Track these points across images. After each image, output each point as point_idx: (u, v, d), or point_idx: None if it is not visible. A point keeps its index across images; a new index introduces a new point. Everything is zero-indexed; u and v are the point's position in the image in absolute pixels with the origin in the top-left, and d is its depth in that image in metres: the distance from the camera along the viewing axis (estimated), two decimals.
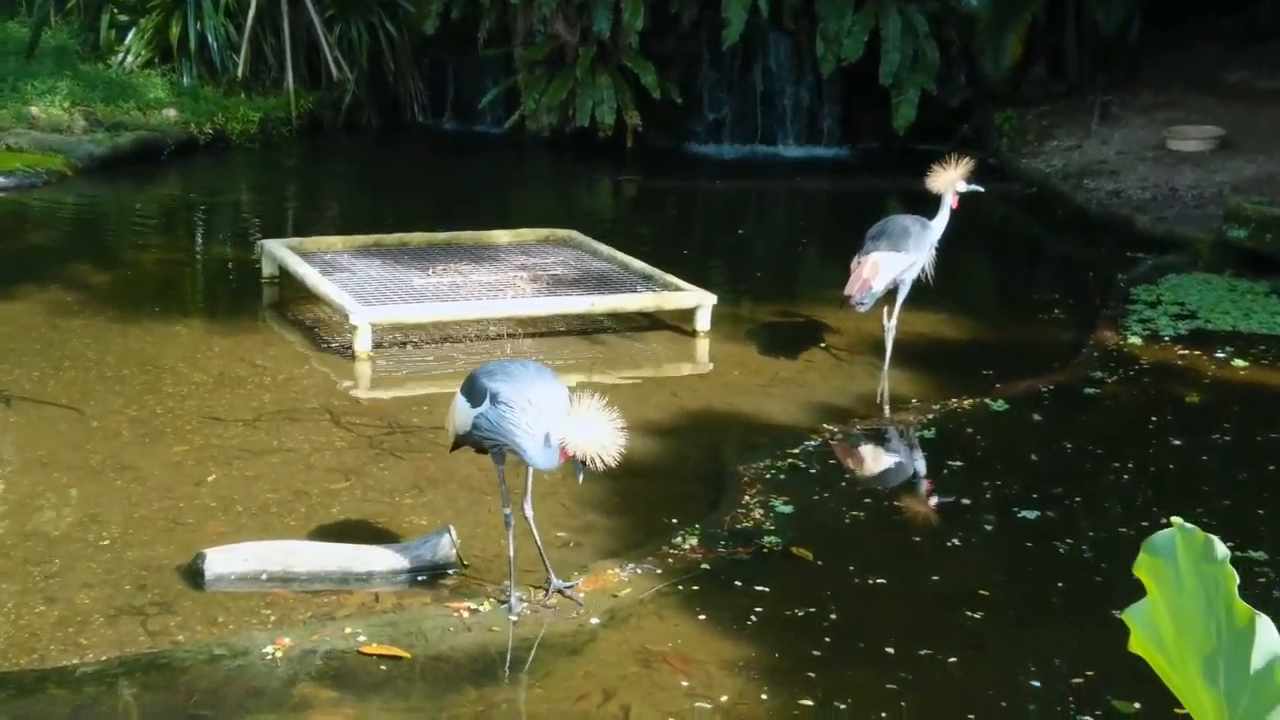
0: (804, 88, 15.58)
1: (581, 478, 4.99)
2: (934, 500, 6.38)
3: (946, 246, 8.19)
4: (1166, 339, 8.47)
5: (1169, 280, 9.68)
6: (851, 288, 7.73)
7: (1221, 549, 1.42)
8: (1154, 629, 1.41)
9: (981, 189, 8.16)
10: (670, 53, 15.39)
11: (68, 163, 12.76)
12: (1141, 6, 14.80)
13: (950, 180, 7.90)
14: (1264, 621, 1.33)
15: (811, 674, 4.71)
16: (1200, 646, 1.33)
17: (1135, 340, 8.40)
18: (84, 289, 9.16)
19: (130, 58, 15.24)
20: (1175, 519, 1.50)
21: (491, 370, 5.13)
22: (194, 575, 5.24)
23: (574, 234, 10.06)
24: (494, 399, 4.94)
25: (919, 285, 8.01)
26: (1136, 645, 1.48)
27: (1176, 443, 6.89)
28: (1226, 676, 1.30)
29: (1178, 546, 1.40)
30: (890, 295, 7.86)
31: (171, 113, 14.27)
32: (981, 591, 5.31)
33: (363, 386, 7.66)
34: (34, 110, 13.71)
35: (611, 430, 4.74)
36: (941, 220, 7.95)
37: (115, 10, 15.47)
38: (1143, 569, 1.45)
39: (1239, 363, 8.05)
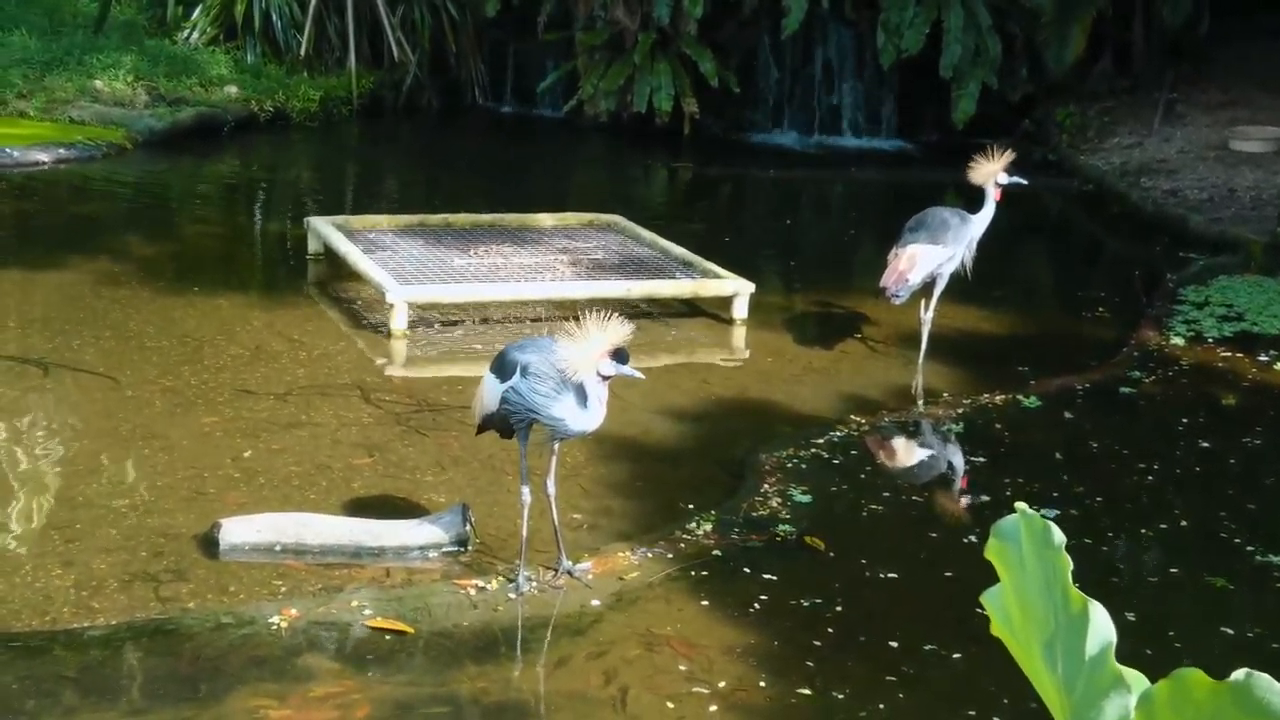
0: (864, 79, 15.50)
1: (639, 374, 5.01)
2: (954, 495, 6.34)
3: (995, 240, 8.11)
4: (1210, 340, 8.36)
5: (1219, 281, 9.55)
6: (887, 279, 7.68)
7: (1058, 535, 1.41)
8: (1006, 613, 1.41)
9: (1024, 181, 8.07)
10: (730, 41, 15.36)
11: (128, 136, 12.95)
12: (1211, 1, 14.60)
13: (990, 172, 7.82)
14: (1097, 608, 1.32)
15: (811, 664, 4.70)
16: (1042, 631, 1.33)
17: (1178, 341, 8.30)
18: (132, 260, 9.30)
19: (196, 34, 15.42)
20: (1019, 504, 1.50)
21: (522, 344, 5.18)
22: (209, 544, 5.32)
23: (617, 219, 10.08)
24: (524, 371, 4.97)
25: (960, 279, 7.95)
26: (996, 629, 1.48)
27: (1205, 445, 6.81)
28: (1064, 661, 1.30)
29: (1021, 531, 1.40)
30: (928, 288, 7.81)
31: (233, 89, 14.42)
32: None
33: (396, 364, 7.73)
34: (98, 84, 13.91)
35: (613, 328, 4.78)
36: (986, 214, 7.87)
37: None
38: (992, 553, 1.45)
39: None
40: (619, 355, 4.88)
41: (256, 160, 13.77)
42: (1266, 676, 1.20)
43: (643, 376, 5.10)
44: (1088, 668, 1.28)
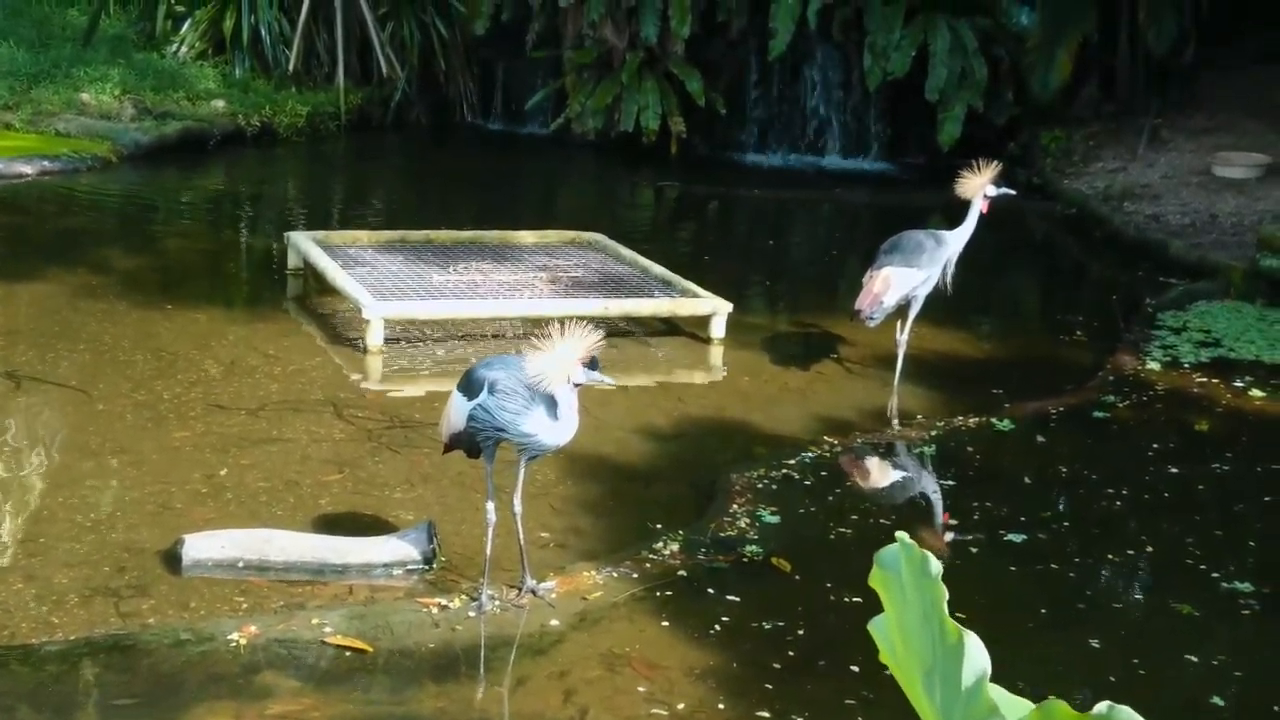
0: (850, 100, 15.53)
1: (610, 381, 5.05)
2: (923, 519, 6.33)
3: (975, 263, 8.10)
4: (1186, 366, 8.36)
5: (1197, 307, 9.56)
6: (861, 302, 7.68)
7: (935, 565, 1.41)
8: (890, 642, 1.41)
9: (1013, 191, 8.11)
10: (718, 61, 15.38)
11: (113, 149, 12.93)
12: (1197, 27, 14.63)
13: (979, 185, 7.81)
14: (972, 639, 1.32)
15: (770, 686, 4.70)
16: (922, 661, 1.33)
17: (1154, 366, 8.30)
18: (110, 273, 9.29)
19: (184, 48, 15.43)
20: (900, 534, 1.49)
21: (489, 362, 5.18)
22: (173, 560, 5.30)
23: (599, 237, 10.08)
24: (491, 388, 4.96)
25: (939, 299, 7.95)
26: (883, 657, 1.47)
27: (1176, 471, 6.81)
28: (942, 691, 1.30)
29: (901, 561, 1.40)
30: (903, 310, 7.81)
31: (220, 104, 14.42)
32: (958, 614, 5.24)
33: (371, 380, 7.71)
34: (85, 97, 13.90)
35: (583, 336, 4.77)
36: (966, 228, 7.85)
37: (172, 1, 15.68)
38: (875, 582, 1.45)
39: (1256, 393, 7.94)
40: (590, 364, 4.88)
41: (242, 175, 13.76)
42: (1128, 709, 1.20)
43: (614, 384, 5.12)
44: (963, 698, 1.28)
